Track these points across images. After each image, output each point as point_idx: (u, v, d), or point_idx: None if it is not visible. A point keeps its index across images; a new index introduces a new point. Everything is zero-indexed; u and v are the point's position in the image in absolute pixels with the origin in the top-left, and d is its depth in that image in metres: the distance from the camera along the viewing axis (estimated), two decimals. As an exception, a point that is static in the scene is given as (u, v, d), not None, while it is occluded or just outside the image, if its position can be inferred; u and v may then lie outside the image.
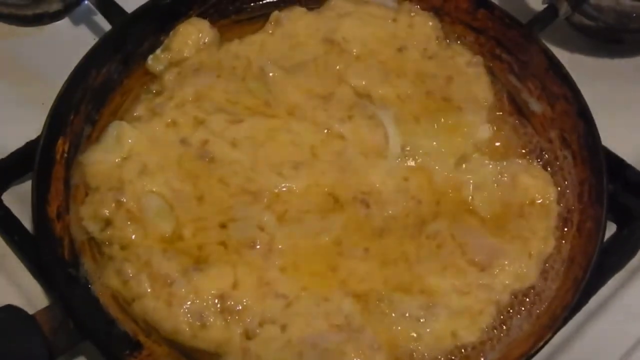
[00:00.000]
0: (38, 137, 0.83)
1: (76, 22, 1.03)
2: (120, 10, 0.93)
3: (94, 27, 1.02)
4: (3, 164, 0.86)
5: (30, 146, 0.85)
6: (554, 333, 0.70)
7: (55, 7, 1.01)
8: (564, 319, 0.73)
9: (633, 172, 0.85)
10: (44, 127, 0.80)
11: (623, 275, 0.82)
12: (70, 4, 1.02)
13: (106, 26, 0.97)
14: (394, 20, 0.90)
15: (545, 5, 0.95)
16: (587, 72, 0.92)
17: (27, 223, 0.83)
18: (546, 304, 0.74)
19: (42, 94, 0.90)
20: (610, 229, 0.83)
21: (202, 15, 0.91)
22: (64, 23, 1.03)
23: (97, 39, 0.95)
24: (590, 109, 0.83)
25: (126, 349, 0.70)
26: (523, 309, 0.74)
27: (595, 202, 0.77)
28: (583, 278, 0.73)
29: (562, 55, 0.91)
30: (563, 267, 0.76)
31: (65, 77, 0.84)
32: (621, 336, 0.78)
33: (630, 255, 0.82)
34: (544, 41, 0.90)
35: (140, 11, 0.90)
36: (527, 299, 0.75)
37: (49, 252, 0.74)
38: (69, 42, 1.01)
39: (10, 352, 0.66)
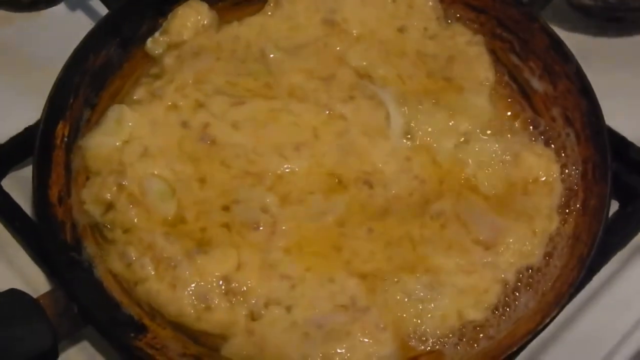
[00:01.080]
0: (37, 122, 0.83)
1: (72, 6, 1.03)
2: (117, -8, 0.93)
3: (90, 11, 1.02)
4: (2, 149, 0.86)
5: (29, 131, 0.86)
6: (560, 310, 0.70)
7: (52, -9, 1.02)
8: (569, 296, 0.73)
9: (635, 150, 0.86)
10: (43, 112, 0.80)
11: (626, 253, 0.82)
12: (66, -12, 1.02)
13: (103, 10, 0.98)
14: (394, 0, 0.90)
15: None
16: (587, 51, 0.91)
17: (27, 208, 0.84)
18: (551, 281, 0.74)
19: (40, 79, 0.89)
20: (613, 207, 0.83)
21: (201, -4, 0.91)
22: (60, 8, 1.04)
23: (93, 24, 0.96)
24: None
25: (131, 332, 0.70)
26: (528, 286, 0.75)
27: (600, 180, 0.78)
28: (588, 256, 0.73)
29: (562, 35, 0.90)
30: (568, 245, 0.76)
31: (63, 62, 0.84)
32: (624, 313, 0.79)
33: (634, 233, 0.82)
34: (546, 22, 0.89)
35: (138, -8, 0.89)
36: (532, 277, 0.75)
37: (51, 236, 0.73)
38: (66, 27, 1.01)
39: (15, 335, 0.66)
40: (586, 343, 0.77)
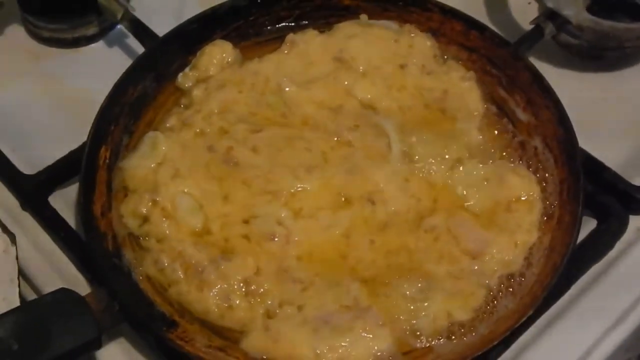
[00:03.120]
0: (81, 146, 0.92)
1: (110, 44, 1.12)
2: (152, 33, 1.02)
3: (126, 48, 1.11)
4: (50, 169, 0.94)
5: (73, 154, 0.94)
6: (535, 310, 0.78)
7: (92, 31, 1.11)
8: (547, 300, 0.81)
9: (611, 174, 0.92)
10: (88, 137, 0.89)
11: (601, 266, 0.89)
12: (105, 28, 1.11)
13: (137, 48, 1.06)
14: (396, 40, 0.98)
15: (532, 26, 1.03)
16: (571, 85, 1.00)
17: (71, 222, 0.92)
18: (529, 286, 0.81)
19: (81, 109, 0.99)
20: (592, 224, 0.91)
21: (225, 37, 1.00)
22: (99, 45, 1.12)
23: (129, 59, 1.05)
24: (575, 118, 0.91)
25: (163, 326, 0.78)
26: (509, 290, 0.82)
27: (573, 199, 0.85)
28: (561, 264, 0.80)
29: (549, 71, 0.99)
30: (544, 255, 0.84)
31: (101, 94, 0.93)
32: (598, 318, 0.85)
33: (608, 248, 0.89)
34: (532, 58, 0.98)
35: (171, 34, 0.98)
36: (513, 283, 0.82)
37: (96, 244, 0.82)
38: (104, 62, 1.09)
39: (65, 326, 0.74)
40: (567, 341, 0.83)
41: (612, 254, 0.90)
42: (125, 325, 0.82)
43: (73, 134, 0.95)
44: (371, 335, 0.78)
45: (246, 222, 0.85)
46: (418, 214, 0.86)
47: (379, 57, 0.97)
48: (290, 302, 0.79)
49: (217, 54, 0.97)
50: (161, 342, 0.80)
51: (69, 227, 0.91)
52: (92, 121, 0.90)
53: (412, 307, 0.80)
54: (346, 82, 0.94)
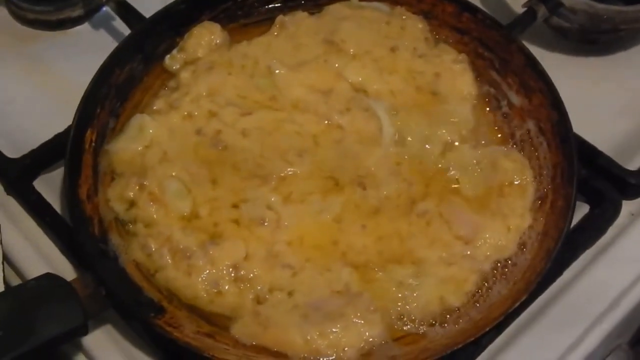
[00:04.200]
0: (66, 130, 0.91)
1: (96, 26, 1.11)
2: (139, 15, 1.01)
3: (112, 31, 1.10)
4: (34, 153, 0.93)
5: (58, 138, 0.93)
6: (529, 295, 0.77)
7: (77, 12, 1.10)
8: (540, 285, 0.80)
9: (604, 158, 0.92)
10: (73, 120, 0.87)
11: (594, 251, 0.89)
12: (91, 9, 1.10)
13: (123, 30, 1.05)
14: (387, 23, 0.98)
15: (525, 9, 1.02)
16: (564, 69, 0.99)
17: (56, 206, 0.91)
18: (522, 271, 0.81)
19: (66, 92, 0.97)
20: (584, 209, 0.91)
21: (214, 19, 0.99)
22: (85, 27, 1.11)
23: (114, 42, 1.04)
24: (568, 102, 0.90)
25: (151, 312, 0.77)
26: (502, 276, 0.82)
27: (567, 183, 0.85)
28: (554, 249, 0.80)
29: (542, 55, 0.97)
30: (537, 240, 0.83)
31: (87, 77, 0.91)
32: (590, 303, 0.86)
33: (601, 233, 0.89)
34: (524, 42, 0.96)
35: (158, 16, 0.97)
36: (506, 268, 0.82)
37: (82, 228, 0.81)
38: (89, 44, 1.08)
39: (51, 312, 0.73)
40: (559, 327, 0.83)
41: (604, 238, 0.90)
42: (111, 311, 0.81)
43: (58, 117, 0.93)
44: (362, 321, 0.77)
45: (235, 206, 0.84)
46: (410, 198, 0.86)
47: (370, 40, 0.96)
48: (280, 287, 0.79)
49: (205, 36, 0.96)
50: (149, 329, 0.79)
51: (55, 211, 0.90)
52: (76, 105, 0.89)
53: (404, 293, 0.80)
54: (337, 65, 0.93)
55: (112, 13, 1.05)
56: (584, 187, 0.89)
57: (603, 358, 0.93)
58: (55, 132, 0.93)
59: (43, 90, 1.03)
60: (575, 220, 0.87)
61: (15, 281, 0.86)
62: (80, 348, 0.82)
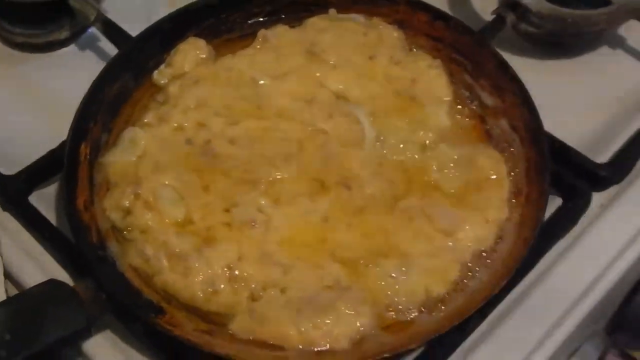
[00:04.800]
0: (59, 145, 0.95)
1: (82, 47, 1.15)
2: (125, 34, 1.05)
3: (98, 51, 1.14)
4: (29, 169, 0.96)
5: (51, 154, 0.96)
6: (508, 282, 0.82)
7: (64, 35, 1.13)
8: (518, 272, 0.84)
9: (574, 153, 0.97)
10: (68, 134, 0.91)
11: (566, 241, 0.94)
12: (77, 31, 1.14)
13: (109, 50, 1.09)
14: (364, 33, 1.02)
15: (494, 16, 1.08)
16: (533, 72, 1.02)
17: (52, 219, 0.94)
18: (501, 260, 0.85)
19: (56, 111, 1.02)
20: (557, 202, 0.96)
21: (198, 35, 1.03)
22: (72, 49, 1.15)
23: (101, 62, 1.08)
24: (538, 103, 0.95)
25: (151, 313, 0.81)
26: (483, 265, 0.86)
27: (540, 176, 0.89)
28: (531, 237, 0.84)
29: (512, 59, 1.01)
30: (515, 230, 0.87)
31: (75, 96, 0.95)
32: (567, 287, 0.90)
33: (573, 223, 0.94)
34: (494, 47, 1.02)
35: (144, 34, 1.01)
36: (486, 257, 0.86)
37: (81, 236, 0.85)
38: (77, 65, 1.12)
39: (54, 318, 0.77)
40: (536, 314, 0.87)
41: (576, 229, 0.94)
42: (111, 317, 0.85)
43: (50, 135, 0.97)
44: (353, 312, 0.81)
45: (227, 210, 0.87)
46: (393, 196, 0.90)
47: (348, 49, 1.00)
48: (273, 285, 0.82)
49: (191, 51, 1.00)
50: (149, 329, 0.82)
51: (51, 224, 0.93)
52: (67, 122, 0.92)
53: (391, 285, 0.83)
54: (318, 74, 0.97)
55: (98, 34, 1.10)
56: (556, 181, 0.93)
57: (580, 344, 0.98)
58: (48, 149, 0.97)
59: (33, 109, 1.07)
60: (548, 213, 0.91)
61: (14, 294, 0.89)
62: (81, 354, 0.85)
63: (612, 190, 0.98)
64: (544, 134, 0.92)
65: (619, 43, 1.15)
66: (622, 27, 1.15)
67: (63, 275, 0.90)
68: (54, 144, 0.97)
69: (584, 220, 0.95)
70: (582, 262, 0.92)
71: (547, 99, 0.96)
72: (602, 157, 0.99)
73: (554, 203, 0.95)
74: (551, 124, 0.96)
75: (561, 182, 0.95)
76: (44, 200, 0.97)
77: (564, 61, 1.13)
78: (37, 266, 0.91)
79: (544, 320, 0.88)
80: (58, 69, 1.12)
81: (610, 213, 0.96)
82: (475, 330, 0.86)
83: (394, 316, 0.83)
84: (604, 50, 1.15)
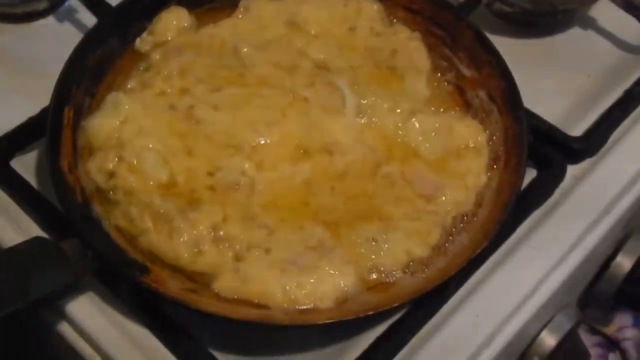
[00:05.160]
0: (40, 112, 0.95)
1: (60, 19, 1.14)
2: (106, 4, 1.06)
3: (76, 23, 1.13)
4: (10, 135, 0.96)
5: (31, 120, 0.96)
6: (488, 242, 0.84)
7: (43, 5, 1.13)
8: (497, 238, 0.87)
9: (549, 127, 1.00)
10: (51, 98, 0.91)
11: (542, 211, 0.97)
12: (56, 2, 1.14)
13: (88, 22, 1.09)
14: (345, 5, 1.04)
15: None
16: (507, 52, 1.04)
17: (33, 184, 0.95)
18: (480, 223, 0.88)
19: (33, 82, 1.02)
20: (533, 174, 0.99)
21: (180, 3, 1.03)
22: (50, 20, 1.14)
23: (80, 34, 1.08)
24: None
25: (137, 271, 0.82)
26: (463, 228, 0.88)
27: (518, 143, 0.92)
28: (509, 202, 0.87)
29: None
30: (493, 195, 0.90)
31: (53, 68, 0.94)
32: (542, 255, 0.93)
33: (549, 194, 0.97)
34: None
35: (126, 2, 1.03)
36: (466, 221, 0.89)
37: (66, 197, 0.85)
38: (55, 36, 1.12)
39: (42, 272, 0.77)
40: (512, 280, 0.90)
41: (551, 199, 0.97)
42: (93, 278, 0.85)
43: (30, 104, 0.97)
44: (337, 272, 0.83)
45: (211, 174, 0.88)
46: (374, 162, 0.92)
47: (329, 21, 1.02)
48: (257, 245, 0.83)
49: (173, 19, 1.00)
50: (134, 289, 0.83)
51: (33, 188, 0.94)
52: (47, 91, 0.92)
53: (373, 247, 0.85)
54: (299, 44, 0.98)
55: (78, 5, 1.10)
56: (532, 153, 0.95)
57: (553, 314, 1.00)
58: (26, 118, 0.97)
59: (12, 79, 1.06)
60: (524, 184, 0.93)
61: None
62: (63, 315, 0.85)
63: (585, 163, 1.02)
64: (521, 103, 0.95)
65: (589, 23, 1.19)
66: (593, 7, 1.19)
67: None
68: (32, 112, 0.97)
69: (558, 191, 0.98)
70: (556, 232, 0.95)
71: (521, 76, 0.99)
72: (576, 132, 1.03)
73: (530, 175, 0.98)
74: (526, 101, 0.98)
75: (537, 154, 0.98)
76: (26, 166, 0.97)
77: (537, 40, 1.16)
78: (20, 230, 0.91)
79: (520, 287, 0.90)
80: (36, 40, 1.12)
81: (584, 185, 0.99)
82: (456, 294, 0.88)
83: (377, 277, 0.85)
84: (576, 30, 1.18)
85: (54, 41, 1.10)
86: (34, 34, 1.14)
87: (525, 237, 0.94)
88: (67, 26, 1.14)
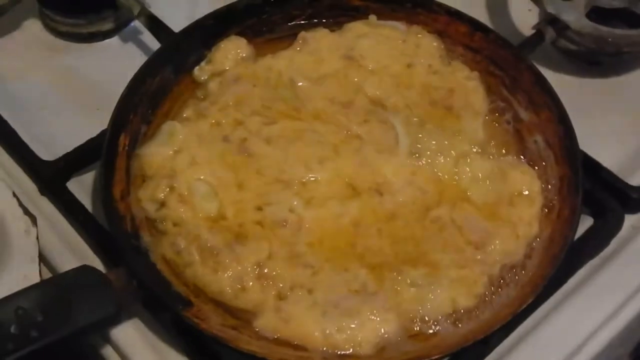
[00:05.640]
0: (98, 135, 0.96)
1: (125, 40, 1.16)
2: (168, 29, 1.06)
3: (140, 44, 1.15)
4: (68, 156, 0.97)
5: (90, 142, 0.97)
6: (535, 298, 0.82)
7: (108, 26, 1.15)
8: (546, 290, 0.84)
9: (607, 173, 0.97)
10: (109, 124, 0.92)
11: (597, 262, 0.93)
12: (121, 23, 1.15)
13: (151, 44, 1.10)
14: (404, 41, 1.03)
15: (534, 31, 1.07)
16: (570, 89, 1.04)
17: (88, 206, 0.95)
18: (529, 276, 0.85)
19: (96, 101, 1.04)
20: (588, 222, 0.96)
21: (240, 34, 1.04)
22: (114, 40, 1.16)
23: (143, 55, 1.09)
24: (573, 120, 0.95)
25: (180, 305, 0.82)
26: (510, 279, 0.86)
27: (573, 193, 0.89)
28: (560, 255, 0.84)
29: (549, 75, 1.01)
30: (544, 247, 0.87)
31: (116, 87, 0.96)
32: (594, 310, 0.90)
33: (604, 244, 0.93)
34: (533, 61, 1.02)
35: (188, 29, 1.02)
36: (514, 272, 0.86)
37: (116, 225, 0.86)
38: (119, 57, 1.13)
39: (86, 302, 0.78)
40: (563, 333, 0.87)
41: (607, 250, 0.94)
42: (139, 306, 0.86)
43: (90, 124, 0.98)
44: (378, 319, 0.82)
45: (259, 209, 0.88)
46: (424, 205, 0.90)
47: (387, 56, 1.01)
48: (300, 285, 0.82)
49: (232, 49, 1.01)
50: (177, 321, 0.83)
51: (87, 211, 0.94)
52: (107, 113, 0.94)
53: (417, 293, 0.84)
54: (356, 79, 0.98)
55: (141, 27, 1.11)
56: (589, 200, 0.92)
57: (605, 366, 0.97)
58: (86, 138, 0.98)
59: (75, 98, 1.08)
60: (580, 232, 0.91)
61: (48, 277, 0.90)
62: (109, 341, 0.86)
63: (644, 213, 0.97)
64: (579, 151, 0.92)
65: (658, 64, 1.14)
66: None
67: (96, 263, 0.91)
68: (93, 133, 0.98)
69: (615, 241, 0.95)
70: (611, 284, 0.92)
71: (582, 117, 0.97)
72: (636, 179, 0.99)
73: (586, 223, 0.95)
74: (586, 143, 0.96)
75: (593, 201, 0.95)
76: (82, 187, 0.98)
77: (602, 80, 1.13)
78: (71, 252, 0.92)
79: (570, 339, 0.88)
80: (100, 60, 1.14)
81: (642, 235, 0.95)
82: (499, 346, 0.86)
83: (419, 325, 0.83)
84: (642, 72, 1.14)
85: (118, 62, 1.12)
86: (98, 54, 1.15)
87: (578, 287, 0.92)
88: (131, 47, 1.16)
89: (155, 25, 1.07)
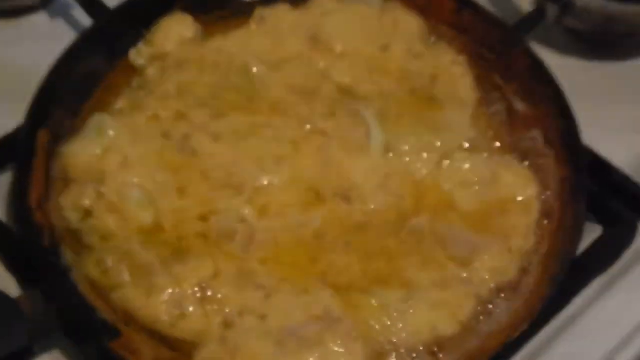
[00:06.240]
0: (15, 131, 0.92)
1: (53, 15, 1.12)
2: (102, 4, 1.02)
3: (71, 20, 1.11)
4: None
5: (6, 140, 0.93)
6: (531, 325, 0.79)
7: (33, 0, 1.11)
8: (544, 314, 0.82)
9: (618, 174, 0.94)
10: (25, 119, 0.89)
11: (607, 279, 0.90)
12: (48, -4, 1.12)
13: (83, 20, 1.07)
14: (379, 19, 0.99)
15: (534, 8, 1.05)
16: (577, 75, 1.01)
17: (2, 215, 0.91)
18: (524, 298, 0.82)
19: (17, 86, 0.98)
20: (597, 231, 0.92)
21: (185, 10, 1.00)
22: (41, 16, 1.12)
23: (74, 32, 1.06)
24: (580, 112, 0.92)
25: (106, 334, 0.78)
26: (501, 302, 0.83)
27: (575, 200, 0.87)
28: (560, 273, 0.81)
29: (551, 57, 1.00)
30: (541, 263, 0.85)
31: (41, 71, 0.92)
32: (603, 337, 0.87)
33: (615, 257, 0.90)
34: (533, 43, 0.99)
35: (124, 5, 0.99)
36: (506, 293, 0.83)
37: (31, 239, 0.82)
38: (46, 35, 1.10)
39: None
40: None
41: (619, 264, 0.91)
42: (60, 335, 0.81)
43: (9, 116, 0.94)
44: (343, 350, 0.78)
45: (203, 219, 0.85)
46: (400, 214, 0.87)
47: (359, 37, 0.98)
48: (251, 310, 0.80)
49: (175, 28, 0.98)
50: (103, 353, 0.79)
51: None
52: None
53: (390, 319, 0.81)
54: (322, 64, 0.96)
55: (72, 1, 1.07)
56: (596, 206, 0.90)
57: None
58: (6, 132, 0.94)
59: (-8, 83, 1.03)
60: (585, 243, 0.88)
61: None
62: (24, 376, 0.82)
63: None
64: (583, 149, 0.90)
65: (676, 46, 1.11)
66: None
67: (9, 283, 0.87)
68: (12, 126, 0.94)
69: (628, 254, 0.91)
70: (624, 304, 0.89)
71: (589, 107, 0.94)
72: (652, 181, 0.96)
73: (593, 232, 0.92)
74: (592, 138, 0.93)
75: (601, 207, 0.92)
76: (-2, 191, 0.93)
77: (612, 64, 1.10)
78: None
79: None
80: (24, 38, 1.10)
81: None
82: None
83: (392, 357, 0.80)
84: (659, 56, 1.11)
85: (44, 41, 1.08)
86: (21, 31, 1.12)
87: (585, 308, 0.89)
88: (61, 24, 1.12)
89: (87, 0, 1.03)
